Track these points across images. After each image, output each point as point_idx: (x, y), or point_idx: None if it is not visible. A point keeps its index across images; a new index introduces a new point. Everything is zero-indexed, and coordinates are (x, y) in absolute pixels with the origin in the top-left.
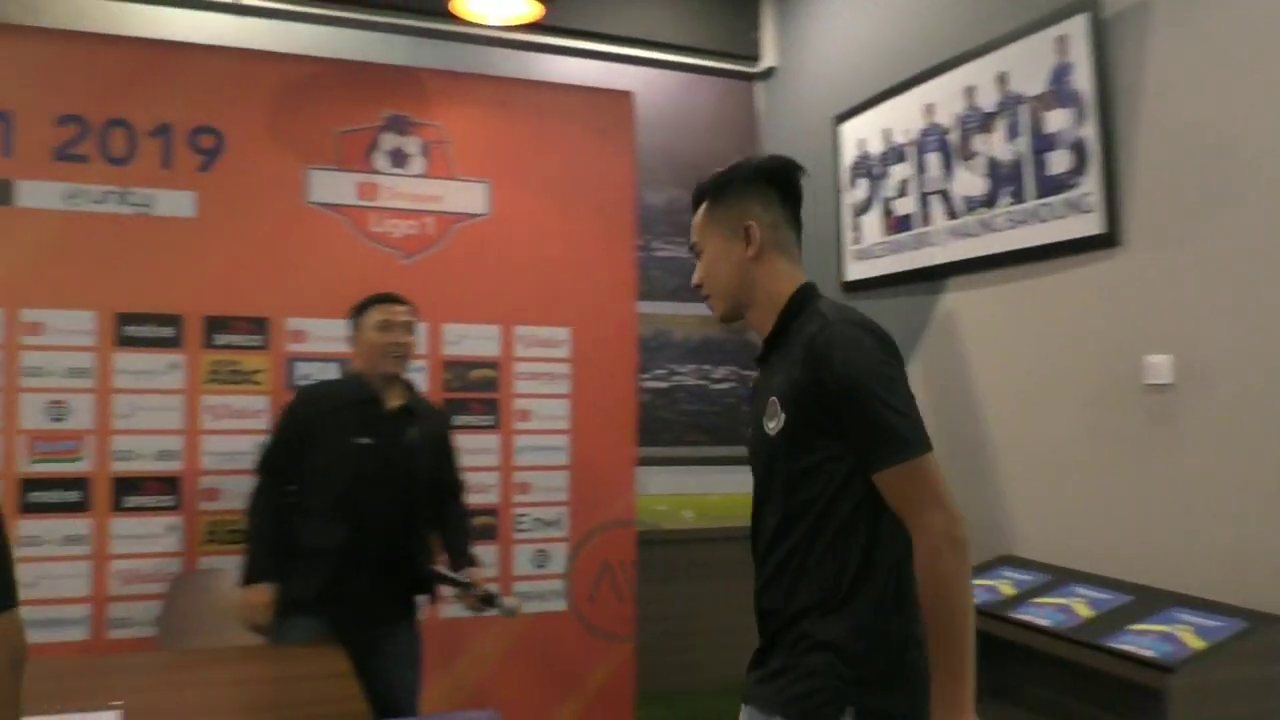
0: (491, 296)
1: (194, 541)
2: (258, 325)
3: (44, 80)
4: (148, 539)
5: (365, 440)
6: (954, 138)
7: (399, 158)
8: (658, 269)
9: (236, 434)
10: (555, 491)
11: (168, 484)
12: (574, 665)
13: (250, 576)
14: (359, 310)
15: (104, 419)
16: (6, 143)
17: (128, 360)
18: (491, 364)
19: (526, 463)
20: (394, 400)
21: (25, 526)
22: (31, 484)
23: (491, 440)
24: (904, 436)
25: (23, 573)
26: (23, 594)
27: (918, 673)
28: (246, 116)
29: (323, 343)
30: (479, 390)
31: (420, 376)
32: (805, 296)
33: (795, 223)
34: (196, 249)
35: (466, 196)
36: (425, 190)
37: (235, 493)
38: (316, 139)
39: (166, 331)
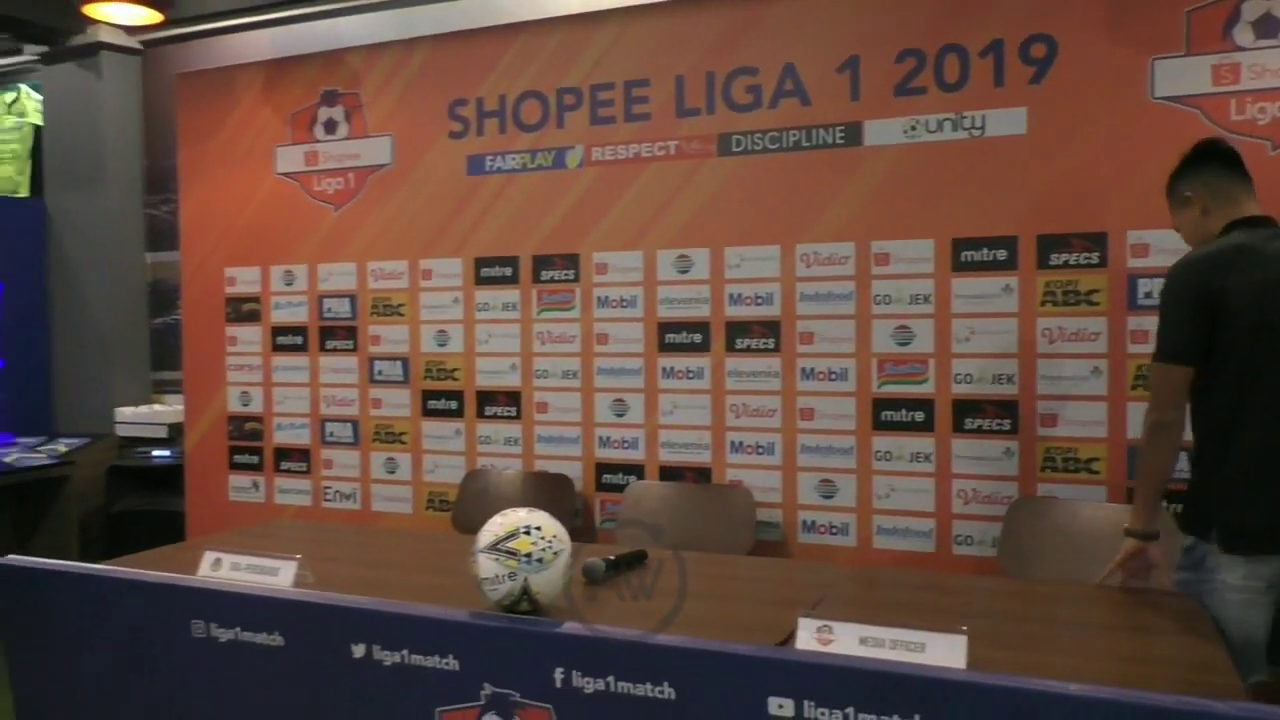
0: None
1: (1031, 467)
2: (1095, 241)
3: (885, 19)
4: (986, 461)
5: None
6: None
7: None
8: None
9: (1074, 357)
10: None
11: (1005, 407)
12: None
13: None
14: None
15: (944, 343)
16: (854, 86)
17: (965, 285)
18: None
19: None
20: None
21: (878, 443)
22: (882, 403)
23: None
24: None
25: (877, 484)
26: (877, 504)
27: None
28: (1081, 14)
29: (1168, 256)
30: None
31: None
32: None
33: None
34: (1028, 166)
35: None
36: None
37: (1073, 419)
38: (1163, 23)
39: (999, 254)
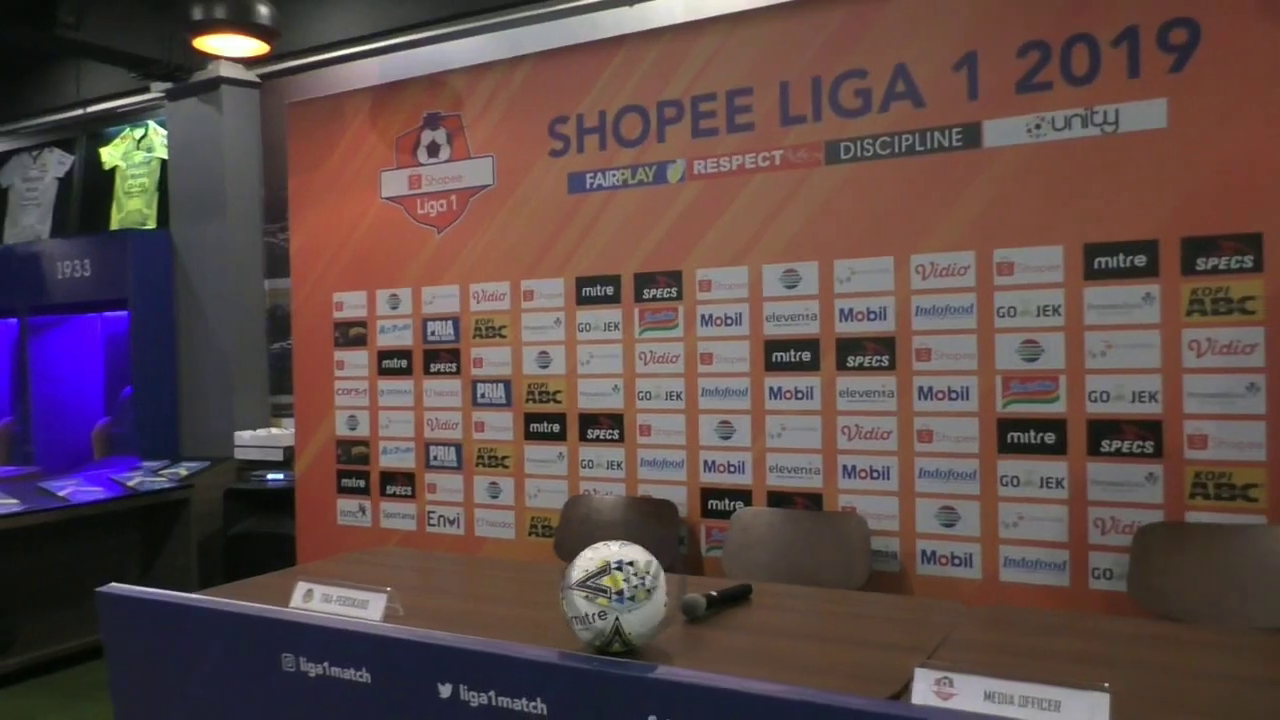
0: None
1: (1178, 493)
2: (1248, 243)
3: (1004, 12)
4: (1126, 487)
5: None
6: None
7: None
8: None
9: (1226, 372)
10: None
11: (1147, 428)
12: None
13: None
14: None
15: (1076, 358)
16: (972, 84)
17: (1099, 294)
18: None
19: None
20: None
21: (1004, 467)
22: (1008, 424)
23: None
24: None
25: (1004, 512)
26: (1004, 533)
27: None
28: None
29: None
30: None
31: None
32: None
33: None
34: (1169, 163)
35: None
36: None
37: (1226, 440)
38: None
39: (1138, 260)
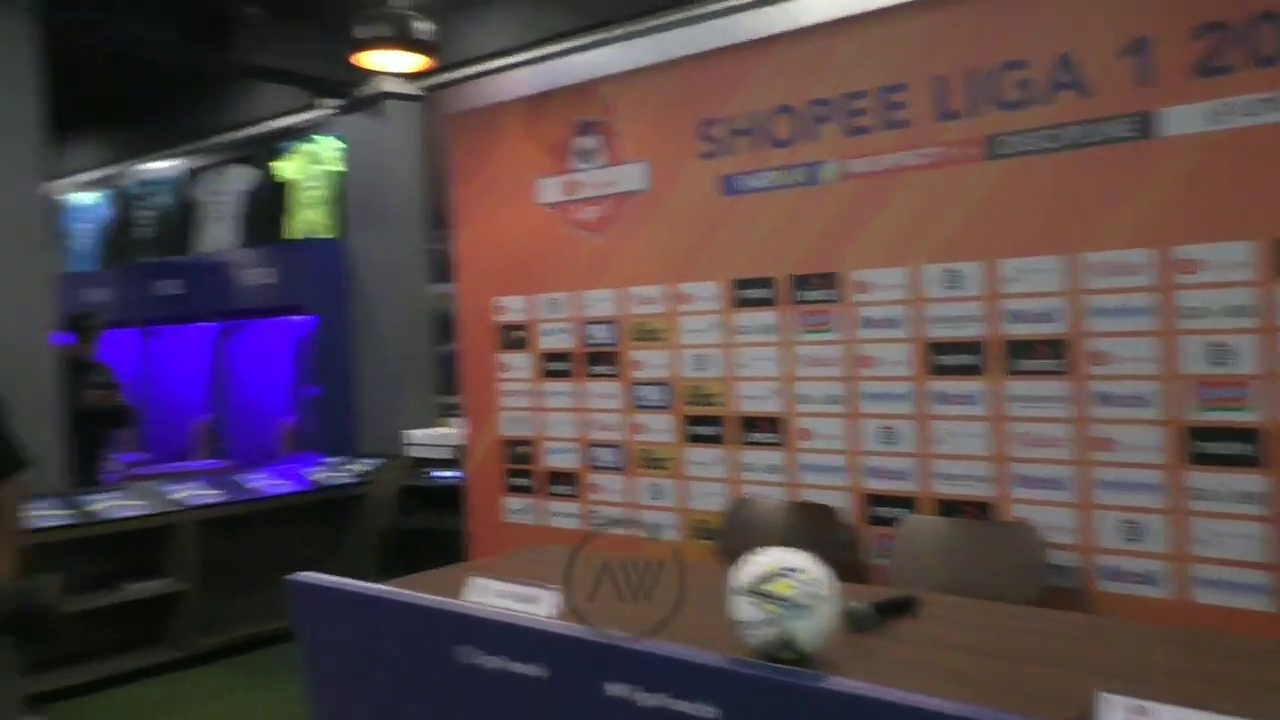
0: None
1: None
2: None
3: None
4: None
5: None
6: None
7: None
8: None
9: None
10: None
11: None
12: None
13: None
14: None
15: (1273, 361)
16: (1143, 71)
17: None
18: None
19: None
20: None
21: (1194, 479)
22: (1198, 433)
23: None
24: None
25: (1196, 527)
26: (1196, 549)
27: None
28: None
29: None
30: None
31: None
32: None
33: None
34: None
35: None
36: None
37: None
38: None
39: None
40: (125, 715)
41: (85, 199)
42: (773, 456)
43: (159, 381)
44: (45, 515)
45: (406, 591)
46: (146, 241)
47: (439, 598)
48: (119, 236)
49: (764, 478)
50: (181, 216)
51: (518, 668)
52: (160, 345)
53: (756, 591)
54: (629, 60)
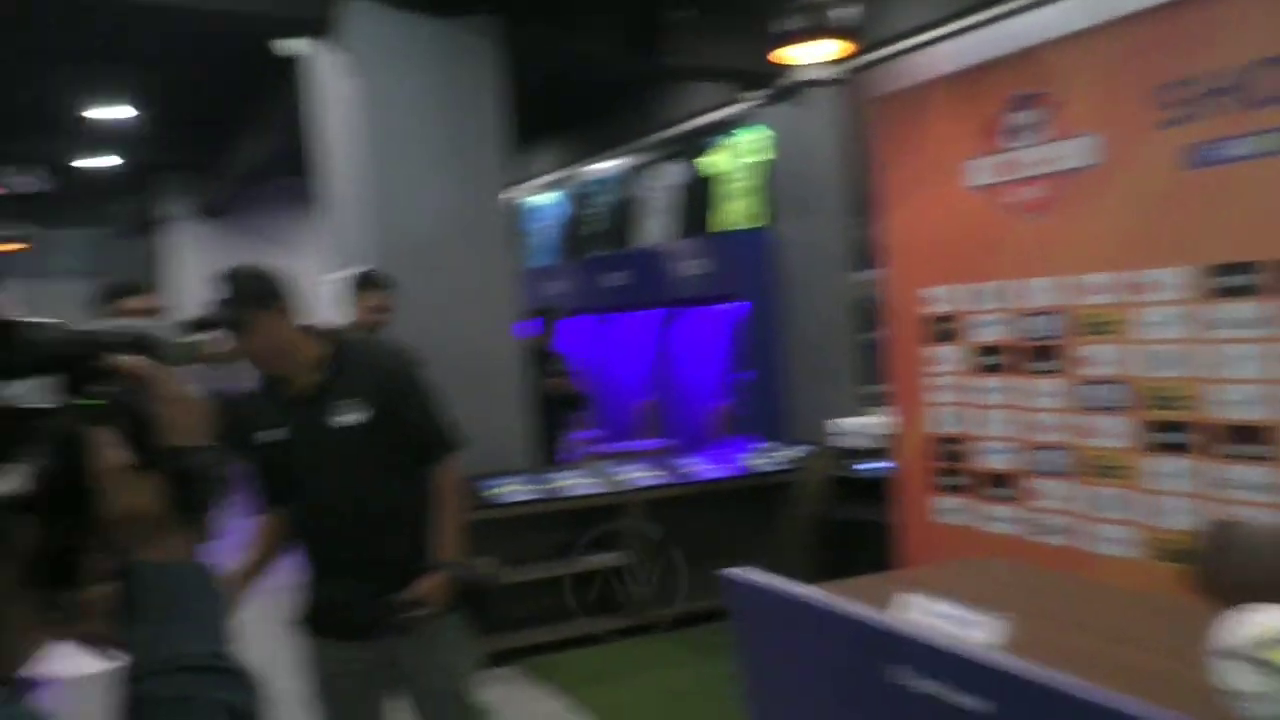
0: None
1: None
2: None
3: None
4: None
5: None
6: None
7: None
8: None
9: None
10: None
11: None
12: None
13: None
14: None
15: None
16: None
17: None
18: None
19: None
20: None
21: None
22: None
23: None
24: None
25: None
26: None
27: None
28: None
29: None
30: None
31: None
32: None
33: None
34: None
35: None
36: None
37: None
38: None
39: None
40: (583, 674)
41: (544, 199)
42: (1259, 473)
43: (609, 365)
44: (515, 490)
45: (840, 600)
46: (596, 236)
47: (873, 612)
48: (573, 232)
49: (1250, 497)
50: (624, 212)
51: (955, 698)
52: (609, 332)
53: (1257, 659)
54: (1071, 23)
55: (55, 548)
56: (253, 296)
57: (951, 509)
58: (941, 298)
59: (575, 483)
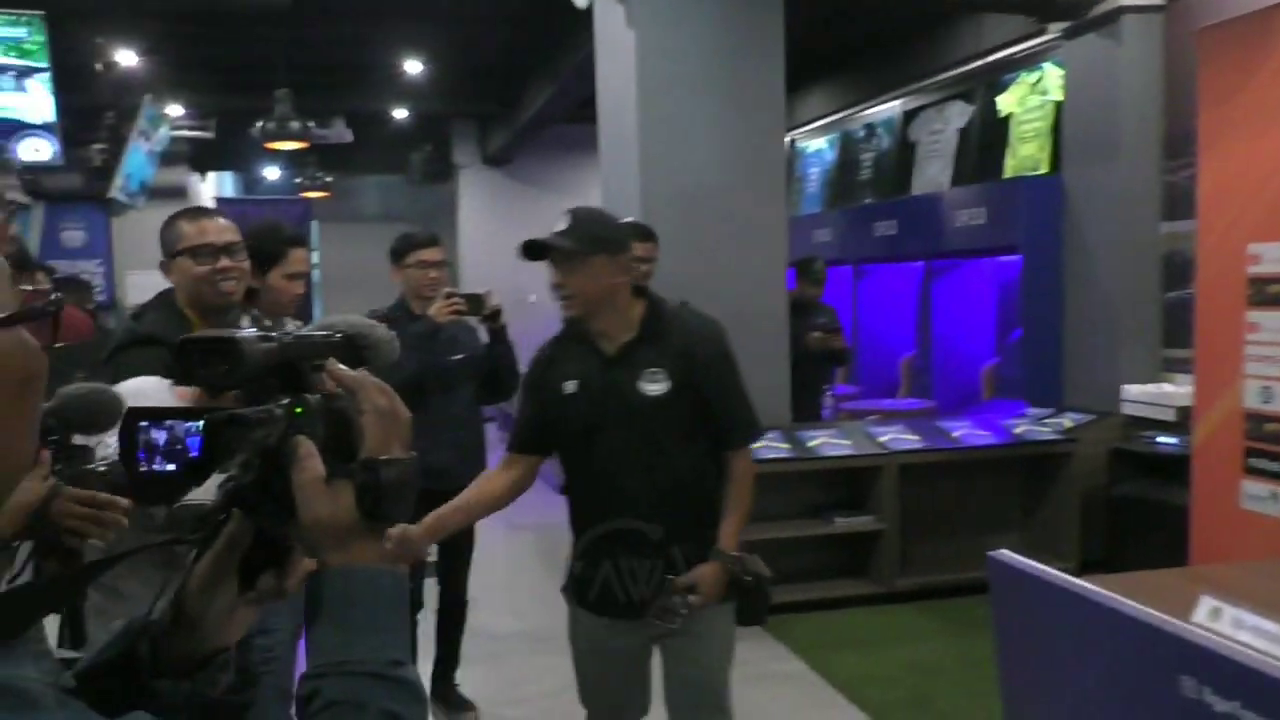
0: None
1: None
2: None
3: None
4: None
5: None
6: None
7: None
8: None
9: None
10: None
11: None
12: None
13: None
14: None
15: None
16: None
17: None
18: None
19: None
20: None
21: None
22: None
23: None
24: None
25: None
26: None
27: None
28: None
29: None
30: None
31: None
32: None
33: None
34: None
35: None
36: None
37: None
38: None
39: None
40: (826, 639)
41: (814, 145)
42: None
43: (869, 318)
44: (771, 447)
45: (1122, 598)
46: (867, 183)
47: (1163, 615)
48: (842, 179)
49: None
50: (899, 157)
51: None
52: (870, 284)
53: None
54: None
55: (262, 542)
56: (597, 238)
57: (1262, 496)
58: (1271, 255)
59: (829, 442)
